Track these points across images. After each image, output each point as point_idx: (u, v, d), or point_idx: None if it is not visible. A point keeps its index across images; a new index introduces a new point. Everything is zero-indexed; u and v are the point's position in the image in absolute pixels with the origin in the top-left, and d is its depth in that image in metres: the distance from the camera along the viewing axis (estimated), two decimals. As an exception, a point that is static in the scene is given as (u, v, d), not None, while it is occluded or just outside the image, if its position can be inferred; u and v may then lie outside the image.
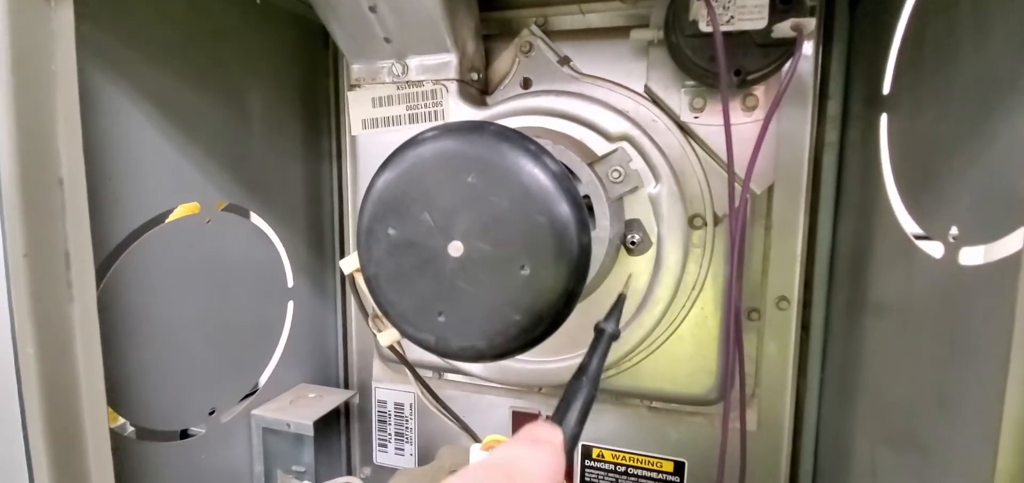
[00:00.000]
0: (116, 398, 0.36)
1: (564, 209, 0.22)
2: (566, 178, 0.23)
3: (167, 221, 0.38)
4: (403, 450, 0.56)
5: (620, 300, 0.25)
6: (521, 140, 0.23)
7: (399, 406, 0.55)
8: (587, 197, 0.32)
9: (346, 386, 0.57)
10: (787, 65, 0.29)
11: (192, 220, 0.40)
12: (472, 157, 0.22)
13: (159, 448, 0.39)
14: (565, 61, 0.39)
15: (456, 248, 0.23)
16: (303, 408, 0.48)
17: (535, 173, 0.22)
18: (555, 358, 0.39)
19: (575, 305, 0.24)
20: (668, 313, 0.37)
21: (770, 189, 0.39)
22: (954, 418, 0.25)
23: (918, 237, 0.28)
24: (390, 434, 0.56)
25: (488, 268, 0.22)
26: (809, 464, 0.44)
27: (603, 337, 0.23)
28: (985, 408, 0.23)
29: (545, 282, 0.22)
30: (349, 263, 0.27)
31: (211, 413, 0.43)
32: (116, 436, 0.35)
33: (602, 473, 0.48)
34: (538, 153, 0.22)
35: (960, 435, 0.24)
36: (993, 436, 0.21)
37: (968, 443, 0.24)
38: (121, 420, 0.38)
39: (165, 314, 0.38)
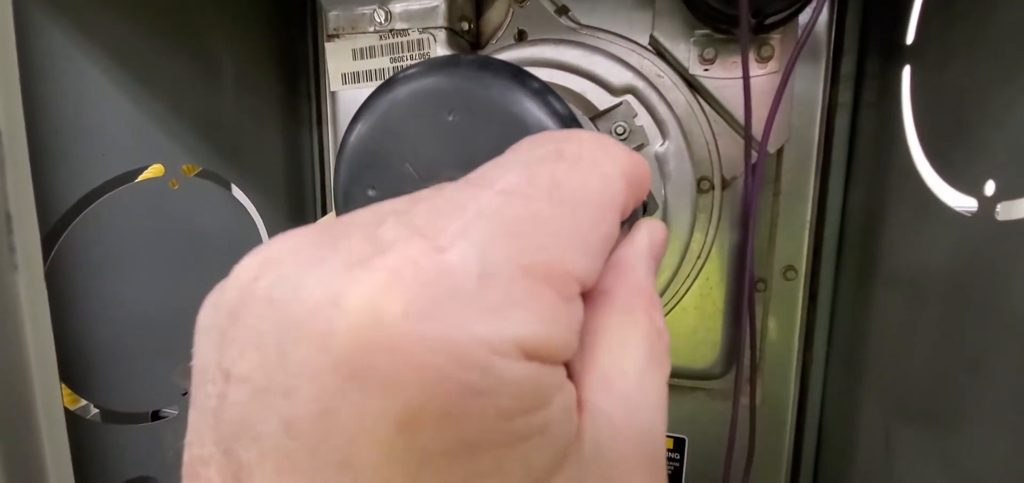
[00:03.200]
0: (76, 377, 0.33)
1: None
2: (565, 111, 0.20)
3: (128, 184, 0.34)
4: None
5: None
6: (504, 67, 0.20)
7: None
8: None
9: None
10: (810, 6, 0.27)
11: (156, 184, 0.36)
12: (450, 92, 0.19)
13: (127, 431, 0.36)
14: (563, 11, 0.36)
15: (447, 200, 0.20)
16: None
17: (526, 102, 0.19)
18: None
19: None
20: (673, 283, 0.35)
21: (779, 152, 0.37)
22: (987, 386, 0.23)
23: (946, 196, 0.26)
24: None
25: None
26: (813, 438, 0.42)
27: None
28: None
29: None
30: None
31: (184, 394, 0.40)
32: (77, 418, 0.32)
33: (599, 451, 0.46)
34: (524, 78, 0.20)
35: (994, 404, 0.23)
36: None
37: (1003, 412, 0.22)
38: (83, 402, 0.35)
39: (129, 286, 0.35)
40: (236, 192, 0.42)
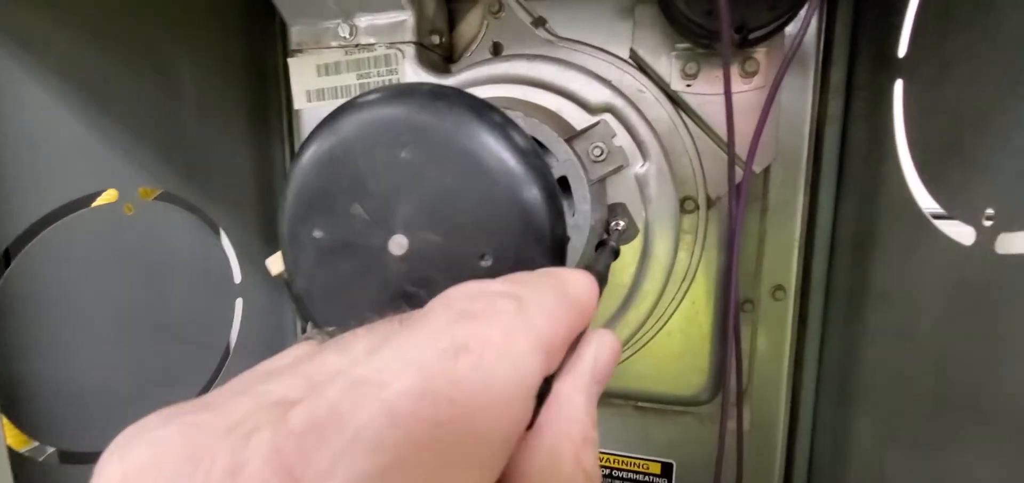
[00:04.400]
0: (27, 416, 0.31)
1: (531, 189, 0.18)
2: (527, 146, 0.18)
3: (80, 211, 0.32)
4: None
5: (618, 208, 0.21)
6: (463, 98, 0.18)
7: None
8: (564, 177, 0.27)
9: (308, 388, 0.53)
10: (801, 12, 0.25)
11: (110, 210, 0.34)
12: (403, 126, 0.17)
13: (87, 472, 0.34)
14: (540, 22, 0.34)
15: (398, 244, 0.18)
16: (255, 416, 0.43)
17: (485, 137, 0.17)
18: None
19: None
20: (657, 307, 0.33)
21: (767, 168, 0.35)
22: (989, 423, 0.22)
23: (941, 219, 0.25)
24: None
25: (441, 264, 0.18)
26: (804, 464, 0.41)
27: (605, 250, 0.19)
28: (1026, 420, 0.19)
29: (512, 269, 0.18)
30: (276, 262, 0.22)
31: (146, 427, 0.38)
32: (28, 462, 0.30)
33: (585, 476, 0.44)
34: (484, 110, 0.18)
35: (989, 434, 0.21)
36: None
37: (998, 442, 0.20)
38: (33, 443, 0.33)
39: (84, 318, 0.33)
40: (194, 208, 0.40)
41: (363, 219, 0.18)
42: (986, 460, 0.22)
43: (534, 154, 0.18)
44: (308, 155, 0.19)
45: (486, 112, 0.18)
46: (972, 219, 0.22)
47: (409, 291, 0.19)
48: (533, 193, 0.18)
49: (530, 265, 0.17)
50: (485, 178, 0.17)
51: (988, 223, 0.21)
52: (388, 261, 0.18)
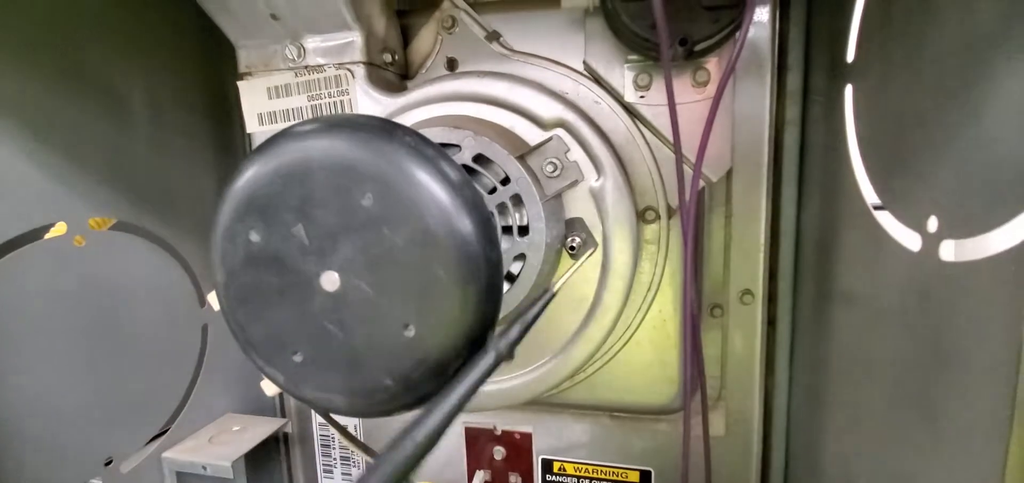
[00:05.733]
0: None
1: (464, 221, 0.17)
2: (487, 225, 0.18)
3: (19, 248, 0.31)
4: (350, 474, 0.51)
5: (543, 298, 0.20)
6: (439, 163, 0.18)
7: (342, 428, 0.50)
8: (517, 196, 0.27)
9: (283, 411, 0.52)
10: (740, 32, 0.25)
11: (56, 243, 0.33)
12: (376, 174, 0.17)
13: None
14: (494, 37, 0.34)
15: (331, 280, 0.18)
16: (224, 445, 0.43)
17: (452, 220, 0.17)
18: (507, 377, 0.35)
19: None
20: (621, 320, 0.33)
21: (728, 174, 0.35)
22: (939, 430, 0.22)
23: (891, 227, 0.25)
24: (335, 459, 0.51)
25: (365, 314, 0.18)
26: (780, 467, 0.41)
27: (484, 354, 0.18)
28: (974, 423, 0.19)
29: (431, 353, 0.17)
30: (269, 385, 0.22)
31: (108, 463, 0.37)
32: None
33: (564, 488, 0.44)
34: (459, 187, 0.17)
35: (946, 449, 0.21)
36: (992, 456, 0.17)
37: (953, 448, 0.20)
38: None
39: (36, 355, 0.32)
40: (151, 234, 0.39)
41: (302, 242, 0.18)
42: (936, 464, 0.22)
43: (466, 184, 0.18)
44: (265, 161, 0.18)
45: (462, 190, 0.18)
46: (917, 225, 0.22)
47: (327, 327, 0.18)
48: (466, 224, 0.17)
49: (454, 345, 0.17)
50: (435, 253, 0.17)
51: (932, 230, 0.21)
52: (314, 291, 0.18)
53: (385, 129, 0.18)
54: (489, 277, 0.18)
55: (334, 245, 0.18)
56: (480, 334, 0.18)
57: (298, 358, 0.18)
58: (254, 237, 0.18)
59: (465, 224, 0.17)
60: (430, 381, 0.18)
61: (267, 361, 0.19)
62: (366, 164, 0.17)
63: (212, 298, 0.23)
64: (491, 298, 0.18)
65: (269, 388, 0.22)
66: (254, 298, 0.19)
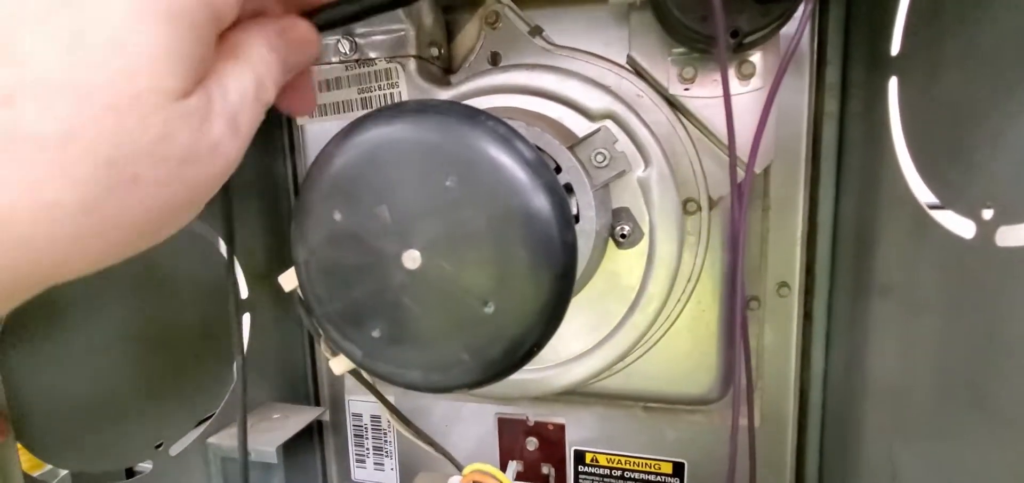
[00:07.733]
0: (40, 439, 0.31)
1: (541, 199, 0.18)
2: (564, 208, 0.19)
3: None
4: (383, 465, 0.52)
5: None
6: (519, 147, 0.19)
7: (375, 418, 0.51)
8: (569, 184, 0.27)
9: (317, 400, 0.53)
10: (796, 14, 0.26)
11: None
12: (458, 157, 0.18)
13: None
14: (537, 32, 0.34)
15: (412, 258, 0.19)
16: (266, 431, 0.44)
17: (533, 201, 0.18)
18: (540, 368, 0.36)
19: (538, 353, 0.20)
20: (664, 309, 0.33)
21: (767, 167, 0.35)
22: (991, 418, 0.22)
23: (939, 212, 0.25)
24: (368, 449, 0.52)
25: (445, 292, 0.18)
26: (815, 460, 0.41)
27: None
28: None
29: (508, 329, 0.18)
30: (289, 279, 0.23)
31: (158, 447, 0.38)
32: (38, 486, 0.31)
33: (596, 478, 0.44)
34: (539, 170, 0.18)
35: (999, 436, 0.21)
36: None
37: (1003, 434, 0.21)
38: (46, 466, 0.33)
39: (89, 338, 0.33)
40: (197, 225, 0.40)
41: (385, 222, 0.19)
42: (988, 451, 0.22)
43: (544, 167, 0.19)
44: (352, 141, 0.19)
45: (542, 172, 0.18)
46: (971, 213, 0.22)
47: (405, 303, 0.19)
48: (545, 206, 0.18)
49: (531, 322, 0.18)
50: (517, 232, 0.18)
51: (987, 217, 0.21)
52: (396, 269, 0.19)
53: (468, 114, 0.18)
54: (565, 256, 0.18)
55: (416, 225, 0.18)
56: (554, 311, 0.19)
57: (376, 334, 0.19)
58: (337, 216, 0.19)
59: (544, 205, 0.18)
60: (506, 356, 0.18)
61: (344, 335, 0.20)
62: (450, 148, 0.18)
63: (283, 279, 0.23)
64: (566, 276, 0.19)
65: (339, 366, 0.23)
66: (335, 274, 0.19)
